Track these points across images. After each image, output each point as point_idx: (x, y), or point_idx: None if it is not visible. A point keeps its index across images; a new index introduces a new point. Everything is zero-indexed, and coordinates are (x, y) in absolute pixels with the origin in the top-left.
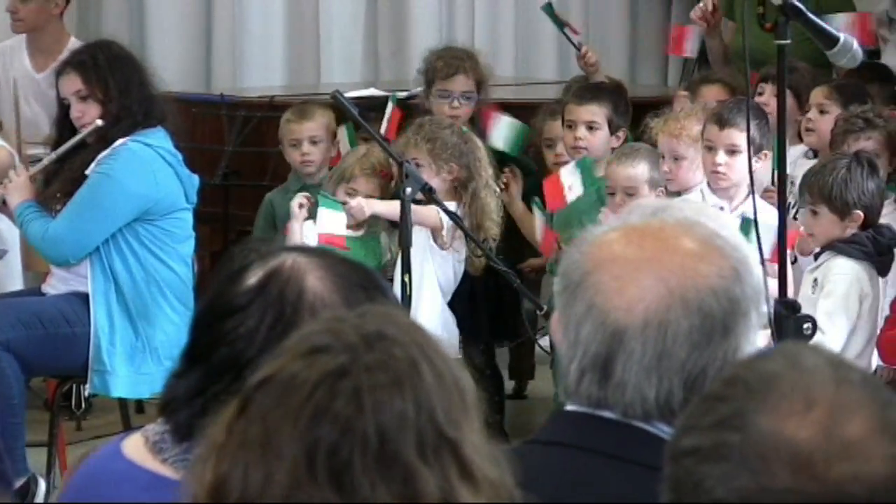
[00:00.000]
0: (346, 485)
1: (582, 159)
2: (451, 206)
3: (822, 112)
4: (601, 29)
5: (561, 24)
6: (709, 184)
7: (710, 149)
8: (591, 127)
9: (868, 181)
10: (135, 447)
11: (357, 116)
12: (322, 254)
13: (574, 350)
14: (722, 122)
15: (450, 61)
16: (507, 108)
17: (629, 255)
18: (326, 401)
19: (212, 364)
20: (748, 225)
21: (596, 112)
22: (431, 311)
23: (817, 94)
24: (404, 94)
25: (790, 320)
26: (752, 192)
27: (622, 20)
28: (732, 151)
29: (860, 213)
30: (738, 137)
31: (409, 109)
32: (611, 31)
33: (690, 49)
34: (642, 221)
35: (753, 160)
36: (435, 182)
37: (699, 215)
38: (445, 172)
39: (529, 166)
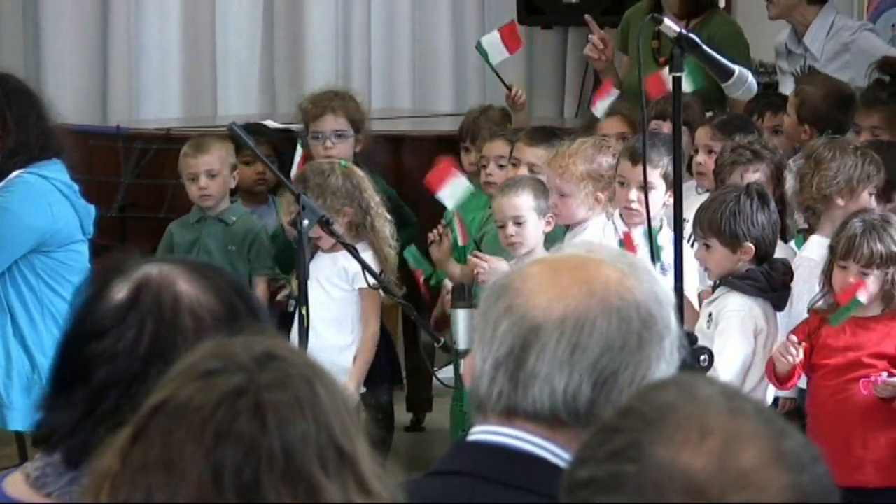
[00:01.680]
0: (254, 502)
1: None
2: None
3: (710, 152)
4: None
5: (491, 59)
6: (621, 216)
7: (623, 184)
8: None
9: (758, 213)
10: (15, 485)
11: (253, 148)
12: (184, 261)
13: (490, 346)
14: (635, 157)
15: (318, 102)
16: (404, 140)
17: (553, 269)
18: (228, 420)
19: (92, 386)
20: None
21: (541, 155)
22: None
23: (702, 135)
24: (298, 126)
25: (686, 351)
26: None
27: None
28: (648, 188)
29: (751, 245)
30: (651, 173)
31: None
32: (508, 62)
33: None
34: (565, 254)
35: (666, 195)
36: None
37: (620, 253)
38: (340, 217)
39: (410, 218)
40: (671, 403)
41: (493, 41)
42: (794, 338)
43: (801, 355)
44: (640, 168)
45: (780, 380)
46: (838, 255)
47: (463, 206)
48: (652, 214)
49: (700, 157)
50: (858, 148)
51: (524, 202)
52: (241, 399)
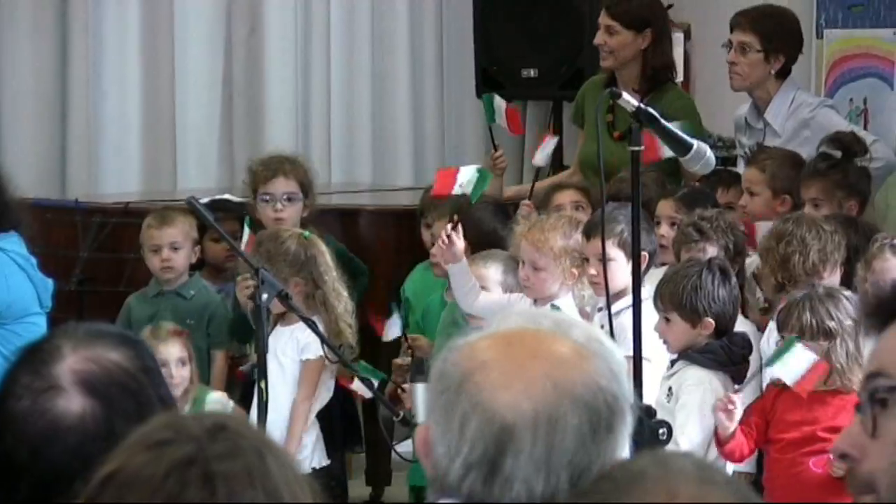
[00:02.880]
0: None
1: None
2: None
3: (672, 225)
4: (455, 126)
5: (493, 117)
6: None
7: (587, 260)
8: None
9: (720, 288)
10: None
11: (212, 222)
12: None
13: (459, 448)
14: (588, 232)
15: (269, 165)
16: (363, 213)
17: (511, 354)
18: (178, 490)
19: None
20: None
21: None
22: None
23: (665, 208)
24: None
25: (645, 425)
26: (607, 299)
27: (474, 117)
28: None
29: (711, 320)
30: (608, 246)
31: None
32: (465, 129)
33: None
34: (517, 328)
35: (627, 266)
36: None
37: (569, 321)
38: (291, 286)
39: (361, 268)
40: (643, 470)
41: (500, 106)
42: (732, 395)
43: (740, 412)
44: (594, 242)
45: (721, 442)
46: (777, 327)
47: (421, 288)
48: (617, 286)
49: (663, 230)
50: (828, 222)
51: (492, 274)
52: (190, 469)
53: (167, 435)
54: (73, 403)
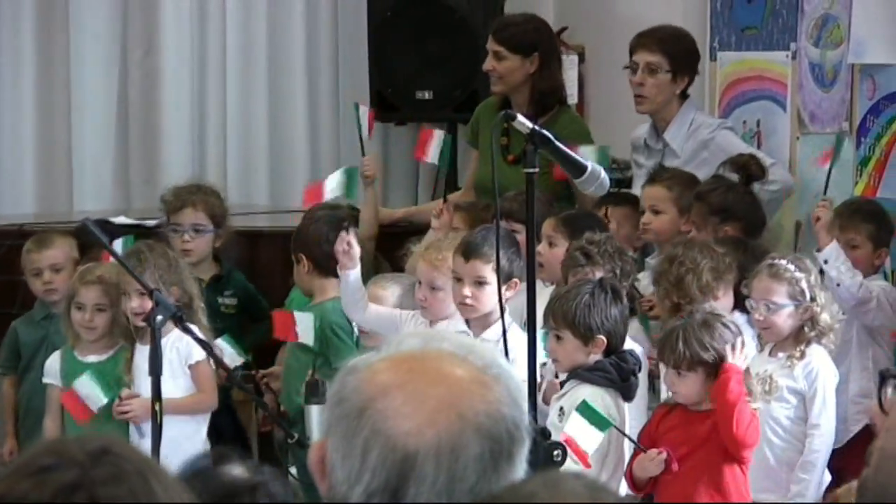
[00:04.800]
0: None
1: None
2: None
3: (550, 244)
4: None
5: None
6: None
7: (459, 280)
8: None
9: (611, 307)
10: None
11: (105, 243)
12: None
13: (360, 475)
14: (467, 254)
15: (179, 195)
16: (262, 236)
17: (413, 380)
18: None
19: None
20: None
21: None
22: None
23: (546, 227)
24: (153, 222)
25: (540, 447)
26: (503, 321)
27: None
28: (479, 283)
29: (603, 338)
30: (483, 269)
31: None
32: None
33: (432, 155)
34: (416, 350)
35: (503, 289)
36: None
37: (467, 343)
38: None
39: (265, 313)
40: (532, 492)
41: (364, 113)
42: (653, 452)
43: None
44: (472, 264)
45: (639, 486)
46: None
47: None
48: (487, 310)
49: (541, 248)
50: (719, 244)
51: (390, 295)
52: (74, 494)
53: (50, 461)
54: None
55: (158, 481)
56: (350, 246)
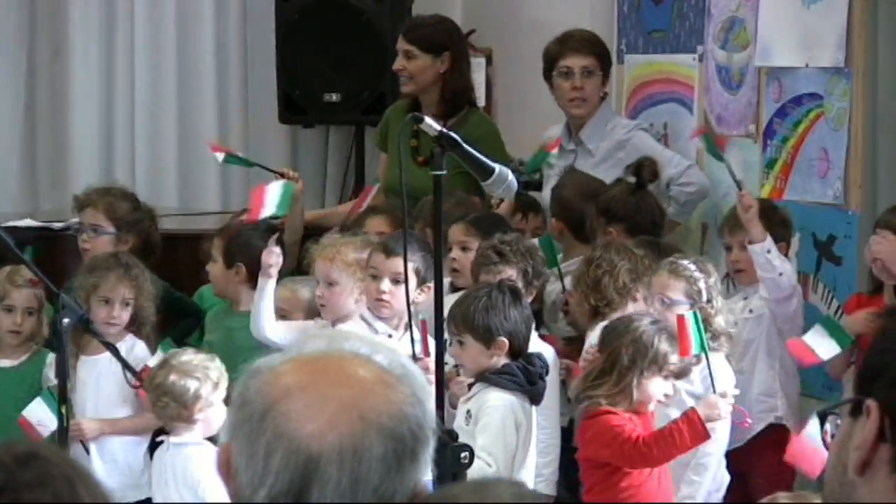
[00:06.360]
0: None
1: None
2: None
3: (464, 249)
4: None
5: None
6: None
7: (375, 277)
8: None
9: (510, 308)
10: None
11: (13, 247)
12: None
13: (263, 478)
14: (388, 250)
15: (87, 194)
16: (171, 238)
17: (316, 382)
18: None
19: None
20: None
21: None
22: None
23: (455, 232)
24: (60, 224)
25: (447, 449)
26: (410, 324)
27: (277, 142)
28: (397, 280)
29: (504, 340)
30: (402, 269)
31: None
32: (268, 154)
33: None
34: (320, 352)
35: (416, 292)
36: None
37: (372, 344)
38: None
39: (192, 307)
40: (458, 497)
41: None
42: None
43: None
44: (392, 260)
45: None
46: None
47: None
48: (402, 308)
49: (454, 254)
50: (637, 246)
51: (300, 297)
52: (0, 498)
53: None
54: None
55: (85, 486)
56: (278, 256)
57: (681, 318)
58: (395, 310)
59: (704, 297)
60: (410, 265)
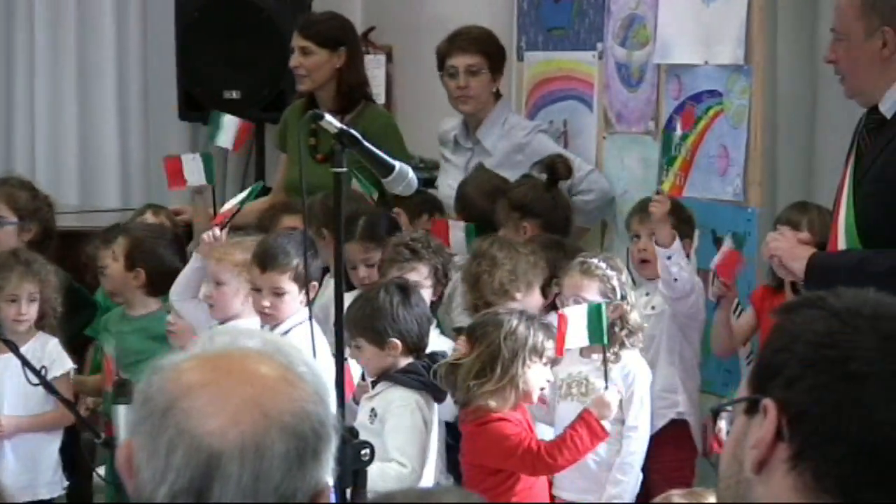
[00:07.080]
0: None
1: None
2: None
3: (368, 265)
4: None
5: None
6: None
7: (257, 290)
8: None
9: (399, 308)
10: None
11: None
12: None
13: (164, 475)
14: (263, 264)
15: None
16: (70, 235)
17: (218, 379)
18: None
19: None
20: None
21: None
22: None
23: (353, 251)
24: None
25: (348, 446)
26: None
27: (178, 139)
28: (277, 294)
29: (396, 341)
30: (280, 279)
31: None
32: (169, 150)
33: (195, 178)
34: (223, 349)
35: (302, 295)
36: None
37: (275, 342)
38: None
39: (89, 299)
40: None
41: (229, 124)
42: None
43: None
44: (269, 275)
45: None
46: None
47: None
48: (288, 316)
49: (361, 273)
50: (525, 245)
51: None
52: None
53: None
54: None
55: None
56: (216, 239)
57: (562, 316)
58: (280, 320)
59: (619, 294)
60: (288, 274)
